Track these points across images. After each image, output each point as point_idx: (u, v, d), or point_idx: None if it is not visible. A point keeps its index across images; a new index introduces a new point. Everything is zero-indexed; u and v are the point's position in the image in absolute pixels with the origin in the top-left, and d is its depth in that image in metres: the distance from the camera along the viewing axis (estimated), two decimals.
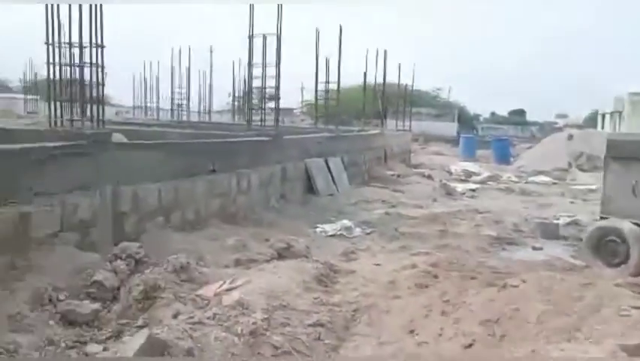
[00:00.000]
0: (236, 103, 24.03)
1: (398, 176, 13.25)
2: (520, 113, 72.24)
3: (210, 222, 6.37)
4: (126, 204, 5.09)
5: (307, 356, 3.32)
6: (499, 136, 26.70)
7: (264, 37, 9.24)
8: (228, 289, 4.01)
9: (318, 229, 7.26)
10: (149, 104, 24.85)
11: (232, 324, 3.35)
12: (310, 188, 9.23)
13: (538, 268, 5.76)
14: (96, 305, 3.67)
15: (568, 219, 8.47)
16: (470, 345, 3.32)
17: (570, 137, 18.68)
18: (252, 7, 8.96)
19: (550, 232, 7.55)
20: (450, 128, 44.71)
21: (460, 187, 12.07)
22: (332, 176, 9.83)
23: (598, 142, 18.73)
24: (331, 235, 7.03)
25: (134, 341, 2.72)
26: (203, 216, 6.30)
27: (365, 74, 16.35)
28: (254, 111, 10.30)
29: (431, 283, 4.88)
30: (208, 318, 3.36)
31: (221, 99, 32.84)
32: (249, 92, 9.95)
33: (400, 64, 19.03)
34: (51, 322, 3.46)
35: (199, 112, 25.08)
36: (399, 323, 3.84)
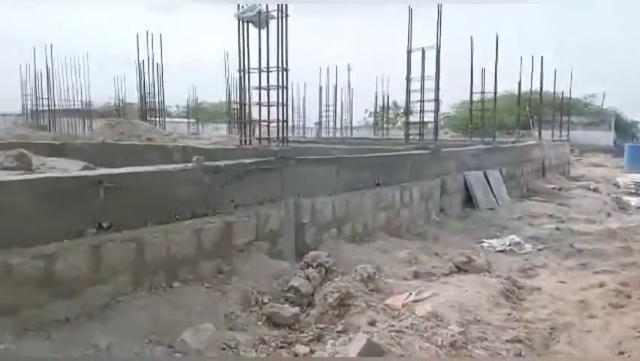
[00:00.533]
0: (372, 118, 24.43)
1: (559, 189, 12.39)
2: None
3: (377, 235, 6.48)
4: (306, 216, 5.37)
5: None
6: None
7: (423, 51, 9.27)
8: (415, 301, 4.04)
9: (484, 244, 7.04)
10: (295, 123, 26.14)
11: (430, 335, 3.36)
12: (469, 201, 9.00)
13: None
14: (295, 309, 3.90)
15: None
16: None
17: None
18: (410, 24, 9.05)
19: None
20: (606, 137, 41.08)
21: (633, 201, 10.96)
22: (491, 189, 9.49)
23: None
24: (500, 251, 6.77)
25: (354, 345, 2.84)
26: (371, 229, 6.43)
27: (520, 83, 15.63)
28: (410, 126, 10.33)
29: (626, 304, 4.51)
30: (406, 327, 3.41)
31: (357, 115, 33.71)
32: (407, 106, 10.01)
33: (555, 70, 17.90)
34: (259, 322, 3.75)
35: (340, 128, 25.82)
36: (604, 344, 3.58)
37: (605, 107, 47.36)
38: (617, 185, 13.89)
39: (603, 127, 44.15)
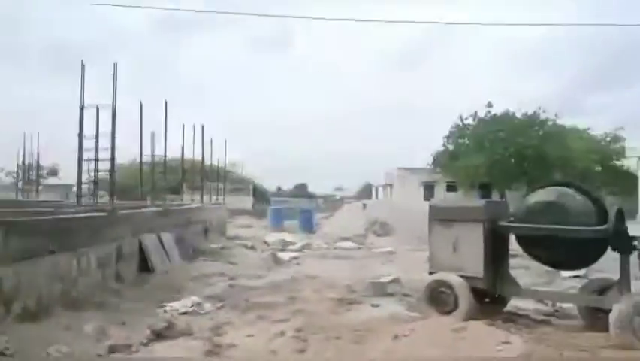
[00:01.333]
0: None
1: (222, 248, 13.24)
2: (303, 187, 78.16)
3: (54, 310, 5.66)
4: None
5: None
6: (303, 208, 28.52)
7: (97, 109, 8.79)
8: None
9: (166, 308, 6.91)
10: None
11: None
12: (145, 265, 8.75)
13: (388, 321, 6.42)
14: None
15: (389, 278, 9.48)
16: None
17: (364, 206, 20.92)
18: (83, 80, 8.50)
19: (379, 289, 8.38)
20: (247, 201, 46.12)
21: (285, 256, 12.57)
22: (165, 251, 9.47)
23: (386, 210, 21.40)
24: (183, 313, 6.76)
25: None
26: (46, 303, 5.57)
27: (182, 147, 16.34)
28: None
29: (307, 347, 5.12)
30: None
31: None
32: (79, 165, 9.18)
33: (211, 139, 19.40)
34: None
35: None
36: None
37: (244, 174, 53.37)
38: (266, 243, 15.70)
39: (244, 192, 49.53)
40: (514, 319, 6.60)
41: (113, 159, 9.09)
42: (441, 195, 41.58)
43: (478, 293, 6.39)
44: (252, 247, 14.04)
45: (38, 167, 24.47)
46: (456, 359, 3.51)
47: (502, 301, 6.90)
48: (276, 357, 4.68)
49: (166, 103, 13.48)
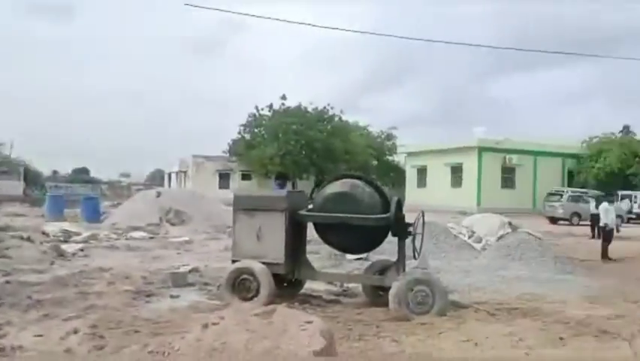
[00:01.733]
0: None
1: None
2: (85, 171, 72.10)
3: None
4: None
5: None
6: (87, 195, 26.22)
7: None
8: None
9: None
10: None
11: None
12: None
13: (190, 312, 6.39)
14: None
15: (188, 268, 9.38)
16: None
17: (158, 194, 20.16)
18: None
19: (179, 280, 8.26)
20: (15, 186, 40.87)
21: (69, 248, 11.49)
22: None
23: (181, 198, 20.95)
24: None
25: None
26: None
27: None
28: None
29: (105, 343, 4.86)
30: None
31: None
32: None
33: None
34: None
35: None
36: None
37: (13, 156, 46.97)
38: (46, 234, 14.13)
39: (13, 176, 43.66)
40: (309, 300, 7.15)
41: None
42: (236, 184, 42.23)
43: (277, 278, 6.75)
44: (29, 239, 12.50)
45: None
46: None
47: (299, 284, 7.40)
48: (74, 357, 4.33)
49: None
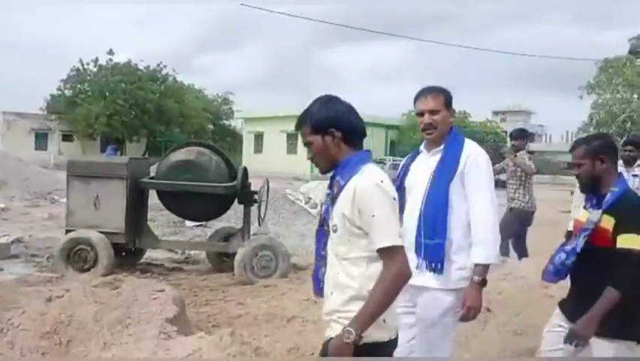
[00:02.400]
0: None
1: None
2: None
3: None
4: None
5: None
6: None
7: None
8: None
9: None
10: None
11: None
12: None
13: (17, 286, 5.92)
14: None
15: (10, 238, 8.56)
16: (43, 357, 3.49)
17: None
18: None
19: (1, 252, 7.53)
20: None
21: None
22: None
23: None
24: None
25: None
26: None
27: None
28: None
29: None
30: None
31: None
32: None
33: None
34: None
35: None
36: None
37: None
38: None
39: None
40: (151, 269, 7.08)
41: None
42: (56, 145, 38.36)
43: (116, 248, 6.55)
44: None
45: None
46: None
47: (139, 253, 7.27)
48: None
49: None
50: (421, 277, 2.49)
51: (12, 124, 38.41)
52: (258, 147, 39.75)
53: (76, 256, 6.40)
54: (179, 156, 6.71)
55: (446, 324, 2.55)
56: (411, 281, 2.04)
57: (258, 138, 39.85)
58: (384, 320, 1.94)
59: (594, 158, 2.59)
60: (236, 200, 6.81)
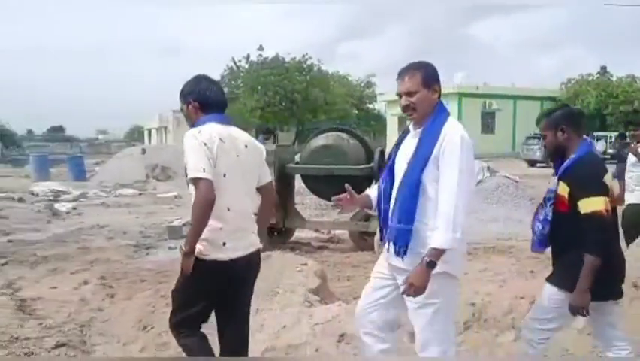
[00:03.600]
0: None
1: None
2: (60, 129, 71.14)
3: None
4: None
5: None
6: (73, 154, 26.22)
7: None
8: None
9: None
10: None
11: None
12: None
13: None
14: None
15: (182, 221, 9.78)
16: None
17: (144, 151, 20.30)
18: None
19: (175, 233, 8.66)
20: None
21: (61, 207, 11.77)
22: None
23: (166, 154, 21.10)
24: None
25: None
26: None
27: None
28: None
29: (118, 291, 5.27)
30: None
31: None
32: None
33: None
34: None
35: None
36: (130, 323, 4.22)
37: None
38: (35, 194, 14.33)
39: None
40: (299, 247, 7.63)
41: None
42: None
43: (268, 228, 7.18)
44: (21, 199, 12.74)
45: None
46: None
47: (289, 233, 7.86)
48: (89, 305, 4.75)
49: None
50: (398, 259, 2.50)
51: (181, 121, 42.89)
52: (402, 130, 39.55)
53: None
54: (319, 141, 7.13)
55: (437, 306, 2.47)
56: (390, 262, 2.54)
57: (402, 120, 39.66)
58: (224, 243, 2.54)
59: (555, 128, 2.74)
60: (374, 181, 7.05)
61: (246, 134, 2.81)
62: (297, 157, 7.64)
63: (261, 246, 2.83)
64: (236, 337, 2.78)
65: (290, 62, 39.49)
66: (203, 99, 2.69)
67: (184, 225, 9.48)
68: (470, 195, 2.50)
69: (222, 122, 2.66)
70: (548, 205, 2.72)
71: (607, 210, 2.52)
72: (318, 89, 38.81)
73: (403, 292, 2.42)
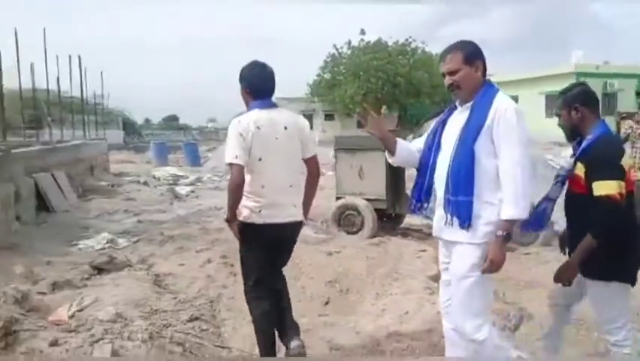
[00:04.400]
0: None
1: (112, 186, 12.84)
2: (175, 118, 75.65)
3: None
4: None
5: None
6: (187, 141, 27.95)
7: None
8: (81, 309, 3.85)
9: (80, 246, 6.86)
10: None
11: (128, 334, 3.37)
12: (43, 205, 8.39)
13: (300, 244, 6.98)
14: None
15: None
16: (327, 303, 4.17)
17: None
18: None
19: None
20: (117, 135, 43.79)
21: (181, 190, 12.57)
22: (61, 190, 9.09)
23: None
24: (100, 250, 6.75)
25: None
26: None
27: (58, 79, 15.06)
28: None
29: (238, 270, 5.51)
30: (103, 334, 3.28)
31: None
32: None
33: (85, 68, 17.87)
34: None
35: None
36: None
37: (111, 107, 50.11)
38: (157, 178, 15.42)
39: (113, 126, 46.76)
40: (410, 233, 7.54)
41: (1, 94, 8.30)
42: (319, 125, 42.74)
43: (378, 213, 7.17)
44: (145, 183, 13.78)
45: None
46: None
47: (399, 218, 7.79)
48: (215, 282, 5.02)
49: (44, 31, 12.23)
50: (450, 231, 2.55)
51: (283, 107, 43.97)
52: None
53: (346, 220, 7.22)
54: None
55: (476, 279, 2.49)
56: (443, 236, 2.64)
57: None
58: (260, 211, 3.04)
59: (569, 107, 2.73)
60: None
61: (288, 115, 3.19)
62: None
63: (300, 218, 3.23)
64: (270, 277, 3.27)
65: (392, 46, 38.90)
66: (252, 87, 3.09)
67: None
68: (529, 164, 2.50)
69: (265, 107, 3.07)
70: (556, 184, 2.78)
71: (621, 195, 2.49)
72: (422, 72, 37.84)
73: (484, 272, 2.45)
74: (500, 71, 41.22)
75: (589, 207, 2.56)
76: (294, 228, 3.22)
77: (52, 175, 9.04)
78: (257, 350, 3.27)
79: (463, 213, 2.49)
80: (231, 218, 3.11)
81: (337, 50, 40.35)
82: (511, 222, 2.41)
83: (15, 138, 12.70)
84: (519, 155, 2.42)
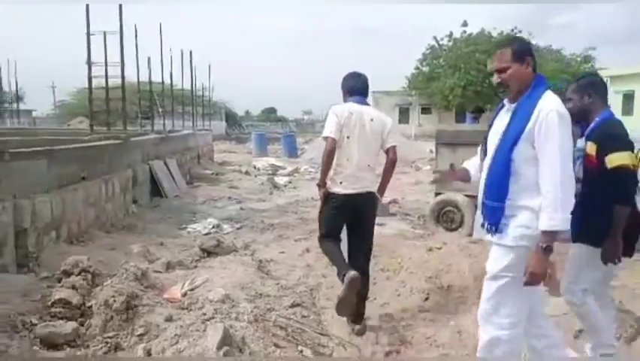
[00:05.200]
0: None
1: (216, 174, 13.51)
2: (272, 110, 77.70)
3: (91, 233, 5.98)
4: (27, 219, 4.57)
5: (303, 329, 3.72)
6: (286, 132, 28.73)
7: (105, 35, 8.62)
8: (192, 289, 4.10)
9: (189, 229, 7.30)
10: None
11: (235, 315, 3.54)
12: (156, 190, 9.02)
13: (397, 238, 6.95)
14: (72, 324, 3.42)
15: (387, 199, 9.97)
16: (427, 298, 4.13)
17: None
18: (87, 6, 8.32)
19: (381, 210, 8.88)
20: (220, 126, 45.72)
21: (279, 180, 12.95)
22: (173, 177, 9.72)
23: None
24: (207, 234, 7.15)
25: (212, 336, 2.79)
26: (84, 227, 5.88)
27: (171, 73, 16.13)
28: None
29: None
30: (213, 313, 3.48)
31: None
32: (89, 93, 9.11)
33: (195, 64, 19.00)
34: (35, 347, 3.16)
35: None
36: None
37: (215, 99, 52.48)
38: (257, 168, 16.00)
39: (216, 117, 48.96)
40: None
41: (123, 86, 9.04)
42: (416, 118, 42.10)
43: None
44: (247, 173, 14.35)
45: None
46: None
47: None
48: (314, 270, 5.14)
49: (160, 26, 13.11)
50: (486, 233, 2.59)
51: (379, 101, 43.75)
52: (628, 109, 34.80)
53: (445, 216, 7.09)
54: None
55: (507, 281, 2.45)
56: (482, 236, 2.90)
57: (628, 97, 34.84)
58: (341, 182, 3.73)
59: (582, 93, 3.00)
60: None
61: (375, 112, 3.89)
62: None
63: (372, 189, 3.81)
64: (356, 247, 3.87)
65: (497, 37, 37.28)
66: (348, 89, 3.91)
67: (389, 203, 9.74)
68: (572, 170, 2.42)
69: (358, 102, 3.82)
70: (578, 164, 2.87)
71: (634, 165, 2.73)
72: None
73: (526, 284, 2.39)
74: (614, 65, 38.23)
75: (601, 183, 2.77)
76: (368, 197, 3.79)
77: (165, 163, 9.69)
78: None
79: (493, 217, 2.50)
80: (322, 183, 3.75)
81: (437, 41, 39.37)
82: (550, 234, 2.32)
83: (132, 128, 13.70)
84: (559, 159, 2.32)
